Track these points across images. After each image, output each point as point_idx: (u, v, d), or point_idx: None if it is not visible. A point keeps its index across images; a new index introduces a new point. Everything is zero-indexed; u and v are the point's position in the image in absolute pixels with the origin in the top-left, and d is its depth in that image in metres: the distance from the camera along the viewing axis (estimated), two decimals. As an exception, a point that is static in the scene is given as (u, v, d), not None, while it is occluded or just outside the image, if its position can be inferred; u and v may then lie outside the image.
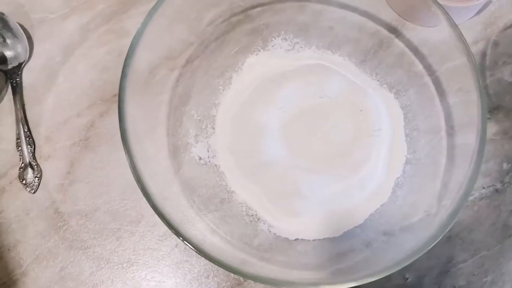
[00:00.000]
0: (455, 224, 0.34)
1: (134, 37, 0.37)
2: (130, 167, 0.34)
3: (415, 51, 0.44)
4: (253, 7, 0.46)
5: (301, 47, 0.45)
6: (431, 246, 0.33)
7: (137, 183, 0.34)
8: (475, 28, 0.49)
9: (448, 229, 0.33)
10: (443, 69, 0.42)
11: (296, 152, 0.41)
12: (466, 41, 0.37)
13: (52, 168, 0.43)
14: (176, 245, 0.42)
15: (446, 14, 0.37)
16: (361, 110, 0.42)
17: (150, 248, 0.42)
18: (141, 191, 0.34)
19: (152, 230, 0.42)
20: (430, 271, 0.41)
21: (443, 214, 0.35)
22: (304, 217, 0.40)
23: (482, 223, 0.43)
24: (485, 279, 0.41)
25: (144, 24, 0.37)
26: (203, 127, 0.43)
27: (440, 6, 0.38)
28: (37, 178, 0.43)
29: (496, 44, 0.48)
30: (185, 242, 0.33)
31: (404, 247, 0.35)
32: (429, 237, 0.34)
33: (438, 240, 0.33)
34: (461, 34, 0.37)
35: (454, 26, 0.37)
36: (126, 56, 0.36)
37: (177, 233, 0.33)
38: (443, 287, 0.41)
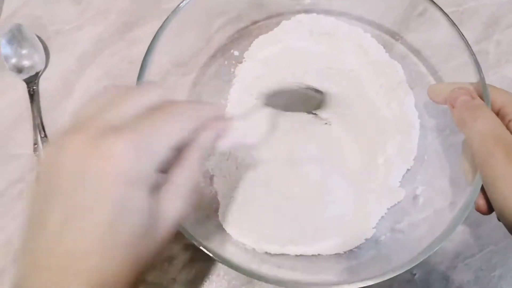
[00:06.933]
0: (461, 219, 0.34)
1: (151, 42, 0.38)
2: None
3: (417, 53, 0.45)
4: (260, 17, 0.48)
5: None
6: (441, 243, 0.33)
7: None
8: (477, 28, 0.50)
9: (458, 225, 0.34)
10: (446, 68, 0.43)
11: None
12: (466, 38, 0.38)
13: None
14: (188, 244, 0.43)
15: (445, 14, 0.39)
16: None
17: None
18: None
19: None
20: (438, 266, 0.42)
21: (453, 211, 0.35)
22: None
23: (489, 218, 0.43)
24: (493, 274, 0.42)
25: (161, 30, 0.39)
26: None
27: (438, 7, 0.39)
28: (54, 181, 0.44)
29: (498, 43, 0.49)
30: (204, 249, 0.33)
31: (412, 244, 0.36)
32: (439, 234, 0.34)
33: (449, 236, 0.33)
34: (461, 32, 0.38)
35: (453, 25, 0.39)
36: (144, 56, 0.38)
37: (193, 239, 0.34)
38: (451, 282, 0.41)
